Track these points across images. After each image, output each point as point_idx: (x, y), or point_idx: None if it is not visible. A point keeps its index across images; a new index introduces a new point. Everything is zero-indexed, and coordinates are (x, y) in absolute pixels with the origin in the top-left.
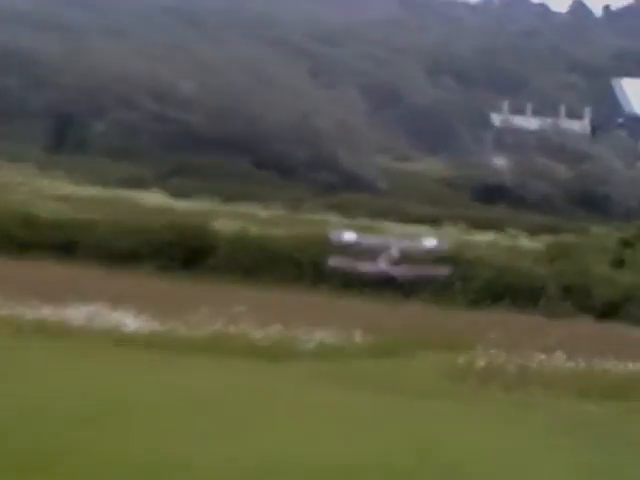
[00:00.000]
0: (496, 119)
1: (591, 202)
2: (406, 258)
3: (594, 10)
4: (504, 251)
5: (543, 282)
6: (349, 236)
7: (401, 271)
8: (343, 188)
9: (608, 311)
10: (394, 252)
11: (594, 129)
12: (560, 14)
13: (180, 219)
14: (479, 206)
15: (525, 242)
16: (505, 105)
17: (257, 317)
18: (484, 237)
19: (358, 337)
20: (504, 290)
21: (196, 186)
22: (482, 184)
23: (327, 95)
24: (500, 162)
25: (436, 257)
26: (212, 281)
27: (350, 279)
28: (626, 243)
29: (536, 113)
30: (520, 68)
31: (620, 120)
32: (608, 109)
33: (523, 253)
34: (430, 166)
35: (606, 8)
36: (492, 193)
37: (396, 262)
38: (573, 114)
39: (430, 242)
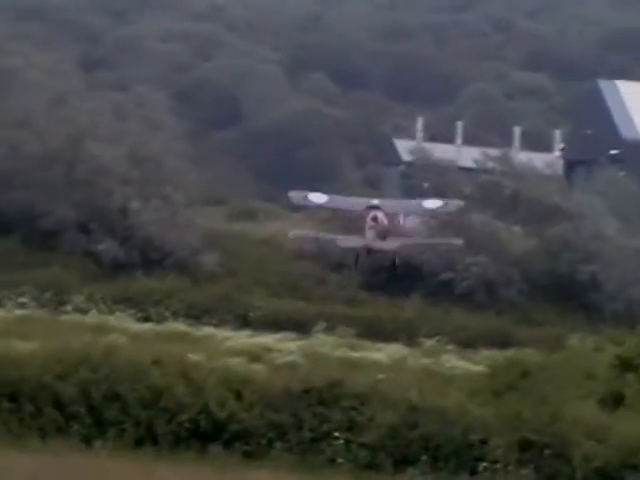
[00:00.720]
0: (404, 148)
1: (567, 291)
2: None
3: None
4: (419, 377)
5: (485, 432)
6: (318, 198)
7: (393, 245)
8: (140, 268)
9: None
10: (382, 218)
11: (570, 166)
12: None
13: None
14: (371, 298)
15: (454, 361)
16: (419, 125)
17: None
18: (385, 353)
19: None
20: (419, 444)
21: None
22: (379, 261)
23: (108, 103)
24: (411, 222)
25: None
26: None
27: (152, 427)
28: (626, 364)
29: (472, 139)
30: (445, 63)
31: (614, 151)
32: (594, 132)
33: (451, 380)
34: (290, 227)
35: None
36: (397, 276)
37: (385, 232)
38: (535, 141)
39: (433, 203)
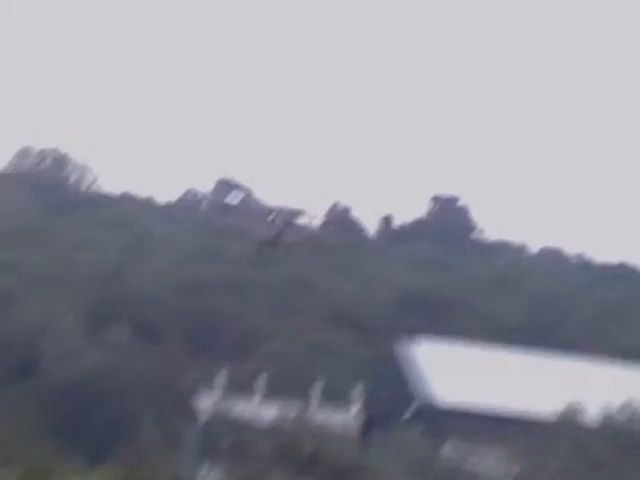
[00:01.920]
0: (204, 404)
1: None
2: None
3: (367, 226)
4: None
5: None
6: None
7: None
8: None
9: None
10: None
11: (367, 425)
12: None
13: None
14: None
15: None
16: (219, 380)
17: None
18: None
19: None
20: None
21: None
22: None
23: None
24: None
25: None
26: None
27: None
28: None
29: (271, 395)
30: (244, 319)
31: (409, 411)
32: (390, 391)
33: None
34: None
35: (385, 224)
36: None
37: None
38: (333, 398)
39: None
